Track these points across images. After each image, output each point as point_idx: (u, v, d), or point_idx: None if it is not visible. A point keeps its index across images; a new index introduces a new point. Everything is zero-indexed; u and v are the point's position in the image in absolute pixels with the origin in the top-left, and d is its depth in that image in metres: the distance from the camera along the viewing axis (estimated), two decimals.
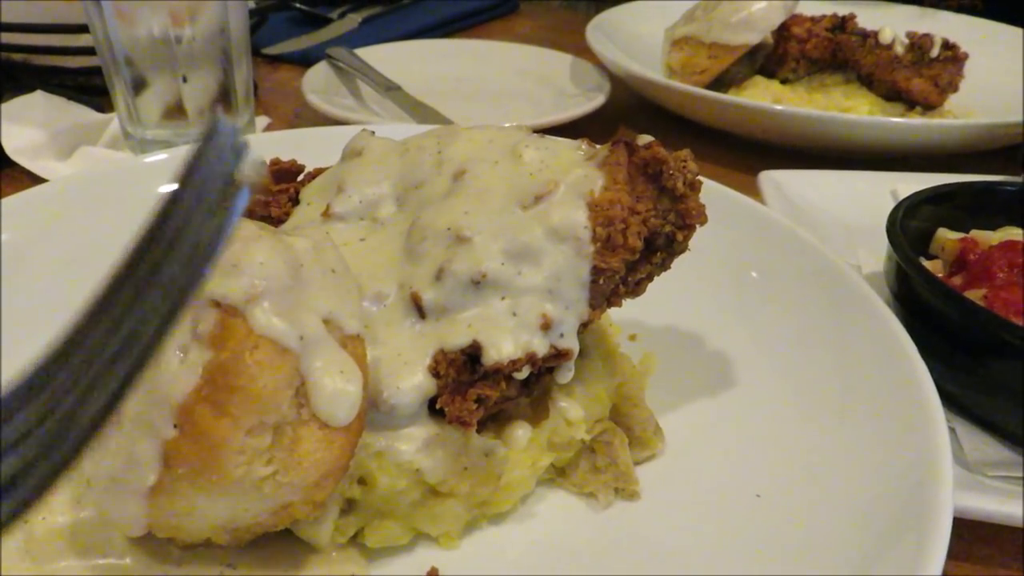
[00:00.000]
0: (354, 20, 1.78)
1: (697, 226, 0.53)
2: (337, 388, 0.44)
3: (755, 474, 0.55)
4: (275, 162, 0.66)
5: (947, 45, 1.16)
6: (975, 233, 0.73)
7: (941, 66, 1.16)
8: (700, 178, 0.54)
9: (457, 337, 0.51)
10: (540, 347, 0.51)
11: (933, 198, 0.72)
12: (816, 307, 0.64)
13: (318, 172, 0.67)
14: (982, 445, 0.60)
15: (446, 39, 1.60)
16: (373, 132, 0.67)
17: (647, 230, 0.53)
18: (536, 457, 0.54)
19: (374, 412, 0.50)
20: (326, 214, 0.60)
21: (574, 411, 0.56)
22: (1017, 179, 0.93)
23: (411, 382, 0.50)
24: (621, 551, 0.52)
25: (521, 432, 0.54)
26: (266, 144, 0.94)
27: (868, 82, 1.23)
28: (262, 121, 1.27)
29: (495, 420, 0.56)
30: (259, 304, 0.44)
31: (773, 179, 0.98)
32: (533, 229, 0.53)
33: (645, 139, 0.56)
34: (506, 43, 1.51)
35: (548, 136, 0.62)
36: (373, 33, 1.70)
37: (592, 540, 0.53)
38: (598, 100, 1.20)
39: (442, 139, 0.62)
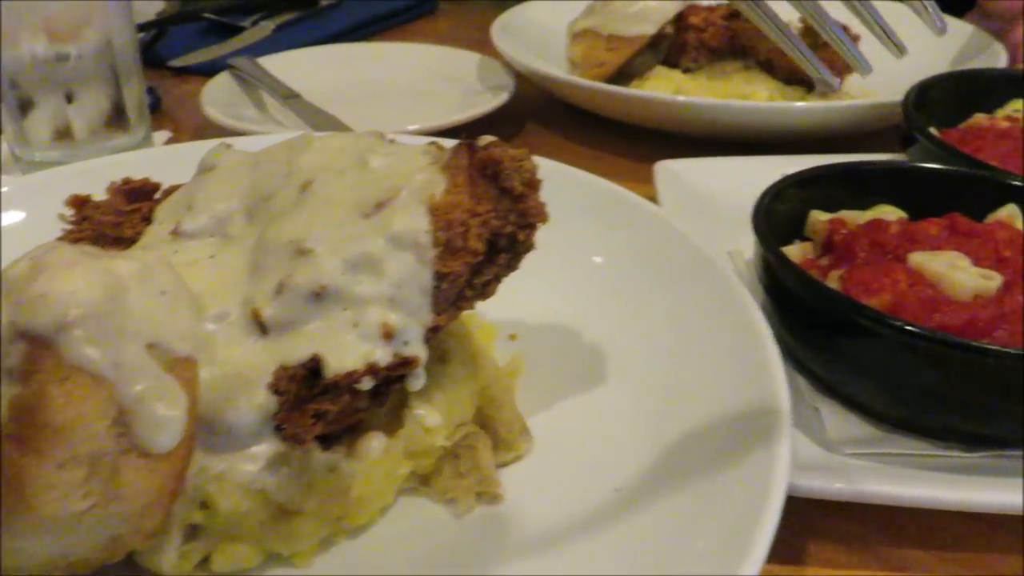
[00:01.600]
0: (267, 28, 1.75)
1: (539, 224, 0.53)
2: (158, 415, 0.43)
3: (615, 468, 0.55)
4: (127, 181, 0.64)
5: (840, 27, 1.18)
6: (843, 213, 0.74)
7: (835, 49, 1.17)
8: (539, 176, 0.53)
9: (297, 352, 0.50)
10: (382, 357, 0.50)
11: (800, 182, 0.73)
12: (679, 295, 0.65)
13: (175, 189, 0.65)
14: (844, 423, 0.61)
15: (359, 43, 1.59)
16: (230, 145, 0.66)
17: (488, 231, 0.53)
18: (393, 467, 0.54)
19: (213, 435, 0.49)
20: (175, 232, 0.59)
21: (432, 418, 0.55)
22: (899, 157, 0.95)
23: (251, 401, 0.49)
24: (480, 555, 0.52)
25: (376, 443, 0.53)
26: (152, 160, 0.92)
27: (768, 67, 1.25)
28: (162, 136, 1.25)
29: (352, 432, 0.55)
30: (70, 333, 0.43)
31: (668, 169, 0.98)
32: (374, 238, 0.52)
33: (486, 139, 0.56)
34: (415, 44, 1.50)
35: (399, 142, 0.61)
36: (288, 39, 1.68)
37: (452, 547, 0.53)
38: (501, 98, 1.20)
39: (293, 150, 0.61)
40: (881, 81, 1.27)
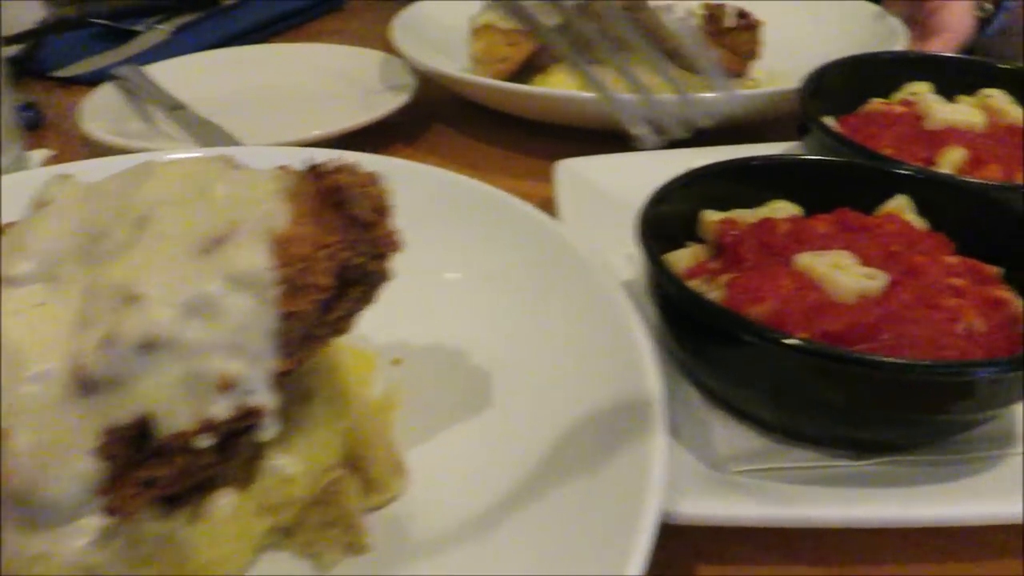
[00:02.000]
0: (163, 31, 1.66)
1: (391, 254, 0.50)
2: None
3: (490, 506, 0.52)
4: None
5: (741, 14, 1.16)
6: (735, 212, 0.72)
7: (737, 35, 1.16)
8: (389, 203, 0.50)
9: (125, 412, 0.45)
10: (221, 411, 0.46)
11: (689, 182, 0.71)
12: (557, 303, 0.63)
13: (8, 228, 0.59)
14: (734, 437, 0.59)
15: (257, 45, 1.52)
16: (69, 175, 0.60)
17: (336, 264, 0.49)
18: (247, 525, 0.50)
19: (32, 510, 0.44)
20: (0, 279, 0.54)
21: (292, 466, 0.51)
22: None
23: (72, 470, 0.44)
24: None
25: (224, 501, 0.49)
26: (21, 185, 0.86)
27: (673, 55, 1.22)
28: (43, 155, 1.17)
29: (202, 489, 0.51)
30: None
31: (569, 167, 0.95)
32: (211, 278, 0.48)
33: (335, 162, 0.52)
34: (316, 44, 1.45)
35: (247, 167, 0.56)
36: (187, 43, 1.60)
37: None
38: (402, 99, 1.16)
39: (132, 180, 0.56)
40: (790, 67, 1.26)
